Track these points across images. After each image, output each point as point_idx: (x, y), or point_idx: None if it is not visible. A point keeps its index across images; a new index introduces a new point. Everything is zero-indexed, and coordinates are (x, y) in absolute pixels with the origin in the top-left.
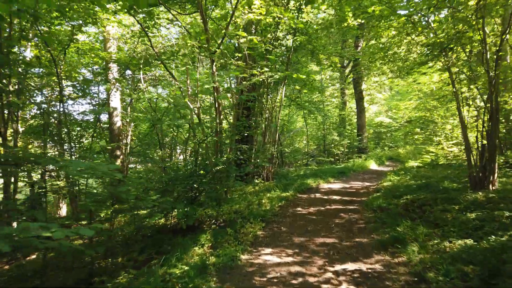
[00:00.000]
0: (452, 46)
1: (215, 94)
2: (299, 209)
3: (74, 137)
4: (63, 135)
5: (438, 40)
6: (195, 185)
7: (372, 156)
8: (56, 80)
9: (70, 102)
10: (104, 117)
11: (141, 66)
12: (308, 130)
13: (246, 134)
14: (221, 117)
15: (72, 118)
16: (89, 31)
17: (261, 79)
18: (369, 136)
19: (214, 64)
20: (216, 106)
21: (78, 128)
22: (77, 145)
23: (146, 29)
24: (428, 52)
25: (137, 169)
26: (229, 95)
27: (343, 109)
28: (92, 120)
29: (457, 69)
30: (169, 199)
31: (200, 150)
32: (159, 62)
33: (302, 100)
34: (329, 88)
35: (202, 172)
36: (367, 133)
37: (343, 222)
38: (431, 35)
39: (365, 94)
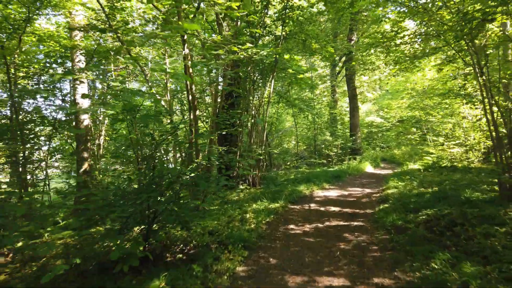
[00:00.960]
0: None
1: (189, 86)
2: (292, 227)
3: (32, 136)
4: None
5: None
6: (150, 205)
7: (367, 157)
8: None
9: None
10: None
11: (112, 56)
12: (297, 130)
13: (230, 134)
14: (197, 112)
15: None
16: (56, 20)
17: (242, 56)
18: (364, 135)
19: (186, 45)
20: (190, 98)
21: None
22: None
23: (110, 11)
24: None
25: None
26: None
27: (334, 108)
28: (62, 118)
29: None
30: (100, 229)
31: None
32: (134, 52)
33: (292, 97)
34: (319, 86)
35: (159, 186)
36: (361, 132)
37: (351, 248)
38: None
39: (359, 91)
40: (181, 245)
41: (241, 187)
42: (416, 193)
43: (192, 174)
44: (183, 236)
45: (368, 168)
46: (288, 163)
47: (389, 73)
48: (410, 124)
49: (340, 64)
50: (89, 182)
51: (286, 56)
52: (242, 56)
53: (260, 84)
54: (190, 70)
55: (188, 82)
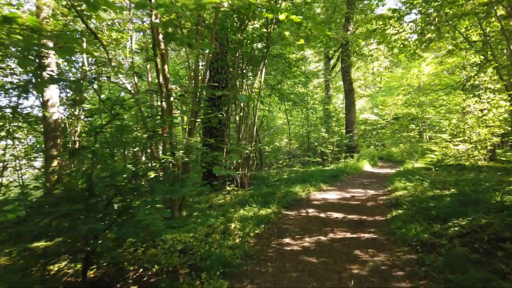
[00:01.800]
0: None
1: (158, 64)
2: (287, 241)
3: None
4: None
5: None
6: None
7: (365, 155)
8: None
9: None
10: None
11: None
12: (290, 127)
13: (216, 128)
14: (171, 98)
15: None
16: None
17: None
18: (359, 133)
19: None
20: (161, 80)
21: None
22: None
23: None
24: None
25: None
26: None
27: (328, 103)
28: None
29: None
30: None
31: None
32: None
33: (284, 90)
34: (313, 81)
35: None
36: (358, 129)
37: (367, 273)
38: None
39: (355, 86)
40: (140, 269)
41: (228, 188)
42: (431, 196)
43: (152, 175)
44: (146, 256)
45: (367, 167)
46: (281, 162)
47: (390, 64)
48: (406, 122)
49: (334, 60)
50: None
51: (282, 17)
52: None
53: (249, 73)
54: (160, 36)
55: (158, 58)
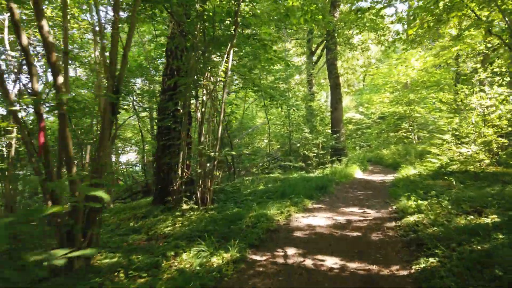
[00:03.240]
0: None
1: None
2: None
3: None
4: None
5: None
6: None
7: (354, 159)
8: None
9: None
10: None
11: None
12: (270, 126)
13: (173, 127)
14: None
15: None
16: None
17: None
18: (347, 133)
19: None
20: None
21: None
22: None
23: None
24: None
25: None
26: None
27: (312, 100)
28: None
29: None
30: None
31: None
32: None
33: (262, 84)
34: (294, 76)
35: None
36: (345, 129)
37: None
38: None
39: (342, 80)
40: None
41: (184, 206)
42: (465, 225)
43: None
44: None
45: (357, 173)
46: (257, 167)
47: (381, 54)
48: (393, 121)
49: (318, 50)
50: None
51: None
52: None
53: (213, 58)
54: None
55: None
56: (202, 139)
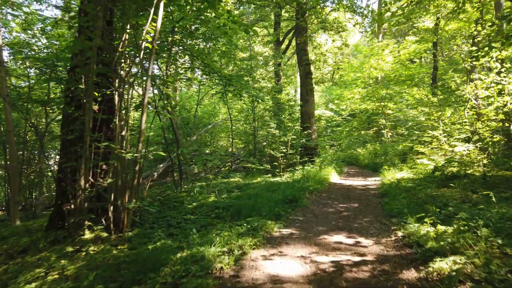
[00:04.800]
0: None
1: None
2: None
3: None
4: None
5: None
6: None
7: (327, 160)
8: None
9: None
10: None
11: None
12: (232, 123)
13: (76, 118)
14: None
15: None
16: None
17: None
18: (318, 130)
19: None
20: None
21: None
22: None
23: None
24: None
25: None
26: None
27: (279, 92)
28: None
29: None
30: None
31: None
32: None
33: (213, 63)
34: (258, 70)
35: None
36: (318, 124)
37: None
38: None
39: (314, 68)
40: None
41: (86, 235)
42: None
43: None
44: None
45: (333, 176)
46: (212, 170)
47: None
48: (364, 118)
49: (289, 34)
50: None
51: None
52: None
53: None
54: None
55: None
56: (117, 133)
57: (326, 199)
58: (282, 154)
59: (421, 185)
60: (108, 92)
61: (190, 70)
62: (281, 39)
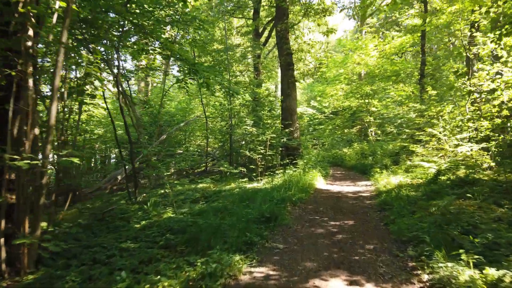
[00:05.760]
0: None
1: None
2: None
3: None
4: None
5: None
6: None
7: (311, 161)
8: None
9: None
10: None
11: None
12: (208, 121)
13: None
14: None
15: None
16: None
17: None
18: (302, 128)
19: None
20: None
21: None
22: None
23: None
24: None
25: None
26: None
27: (259, 86)
28: None
29: None
30: None
31: None
32: None
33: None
34: (235, 63)
35: None
36: (300, 122)
37: None
38: None
39: (296, 59)
40: None
41: None
42: None
43: None
44: None
45: (319, 182)
46: (178, 175)
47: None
48: (347, 116)
49: (269, 22)
50: None
51: None
52: None
53: None
54: None
55: None
56: (32, 131)
57: (313, 212)
58: (260, 156)
59: (427, 195)
60: (14, 73)
61: (145, 52)
62: (260, 30)
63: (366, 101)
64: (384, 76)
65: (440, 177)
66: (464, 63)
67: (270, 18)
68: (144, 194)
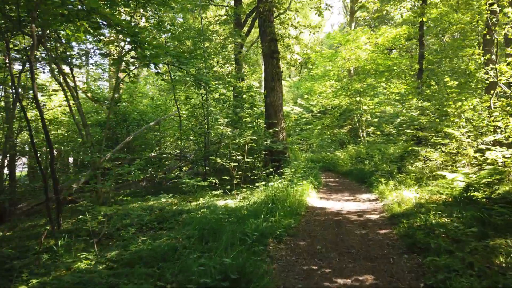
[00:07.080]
0: None
1: None
2: None
3: None
4: None
5: None
6: None
7: (300, 168)
8: None
9: None
10: None
11: None
12: (181, 117)
13: None
14: None
15: None
16: None
17: None
18: (288, 129)
19: None
20: None
21: None
22: None
23: None
24: None
25: None
26: None
27: (241, 81)
28: None
29: None
30: None
31: None
32: None
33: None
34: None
35: None
36: (287, 121)
37: None
38: None
39: (282, 46)
40: None
41: None
42: None
43: None
44: None
45: (311, 197)
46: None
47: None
48: (337, 115)
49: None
50: None
51: None
52: None
53: None
54: None
55: None
56: None
57: (307, 256)
58: (236, 164)
59: (467, 223)
60: None
61: (95, 33)
62: (242, 20)
63: (357, 99)
64: (377, 71)
65: (473, 193)
66: (481, 48)
67: (253, 7)
68: (80, 216)
